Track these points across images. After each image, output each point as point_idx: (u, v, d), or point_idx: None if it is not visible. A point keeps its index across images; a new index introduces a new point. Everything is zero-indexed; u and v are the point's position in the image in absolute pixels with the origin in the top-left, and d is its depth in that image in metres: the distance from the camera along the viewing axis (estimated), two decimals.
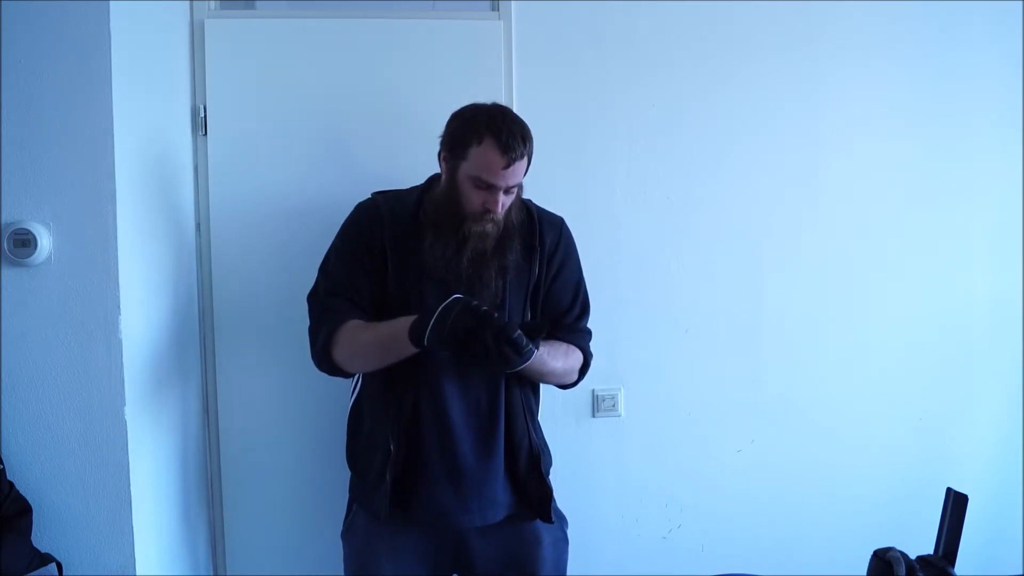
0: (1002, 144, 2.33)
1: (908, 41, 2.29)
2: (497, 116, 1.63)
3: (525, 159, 1.63)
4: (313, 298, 1.74)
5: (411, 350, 1.58)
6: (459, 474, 1.70)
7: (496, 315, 1.49)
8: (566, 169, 2.17)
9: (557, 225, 1.81)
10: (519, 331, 1.49)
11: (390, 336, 1.61)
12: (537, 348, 1.58)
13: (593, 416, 2.24)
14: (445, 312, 1.49)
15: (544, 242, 1.75)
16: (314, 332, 1.71)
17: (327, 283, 1.73)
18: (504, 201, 1.65)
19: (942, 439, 2.36)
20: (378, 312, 1.70)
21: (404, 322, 1.57)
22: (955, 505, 1.24)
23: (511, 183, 1.63)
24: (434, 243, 1.66)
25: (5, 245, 1.54)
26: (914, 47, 2.29)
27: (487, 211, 1.64)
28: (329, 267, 1.75)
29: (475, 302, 1.50)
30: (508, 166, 1.60)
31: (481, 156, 1.60)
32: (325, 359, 1.69)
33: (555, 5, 2.16)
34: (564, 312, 1.80)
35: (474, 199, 1.63)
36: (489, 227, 1.65)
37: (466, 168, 1.62)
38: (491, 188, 1.62)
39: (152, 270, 1.80)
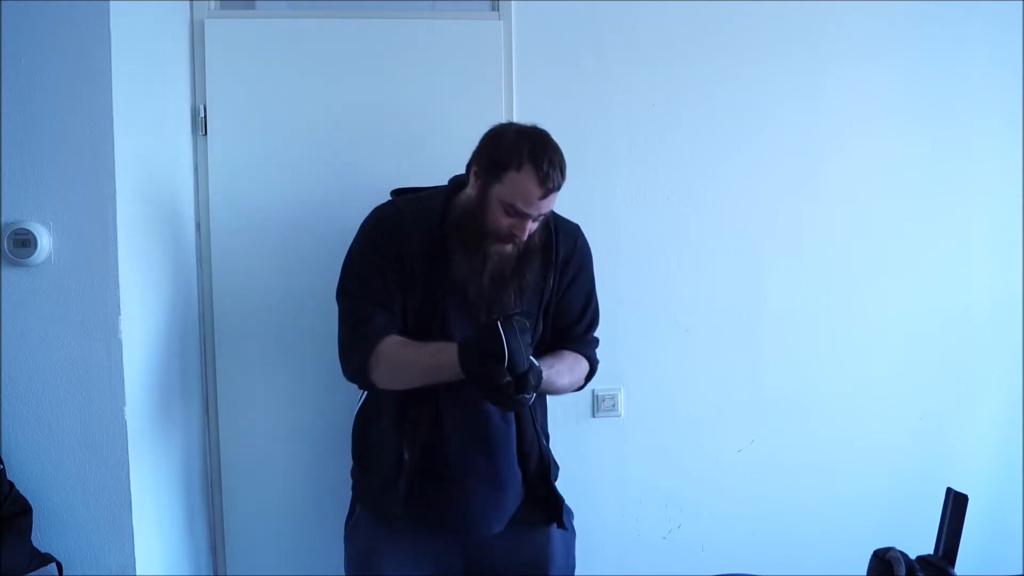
0: (1002, 144, 2.33)
1: (908, 41, 2.29)
2: (539, 143, 1.58)
3: (560, 189, 1.60)
4: (344, 298, 1.69)
5: (457, 376, 1.53)
6: (471, 489, 1.70)
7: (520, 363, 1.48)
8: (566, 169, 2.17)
9: (572, 235, 1.78)
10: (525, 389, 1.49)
11: (436, 366, 1.56)
12: (535, 391, 1.55)
13: (593, 416, 2.24)
14: (494, 342, 1.45)
15: (559, 253, 1.73)
16: (349, 343, 1.66)
17: (356, 285, 1.67)
18: (532, 227, 1.62)
19: (942, 439, 2.36)
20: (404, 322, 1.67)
21: (451, 351, 1.53)
22: (955, 505, 1.24)
23: (544, 212, 1.61)
24: (461, 261, 1.62)
25: (5, 245, 1.54)
26: (914, 47, 2.29)
27: (513, 236, 1.61)
28: (357, 269, 1.69)
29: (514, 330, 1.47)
30: (544, 197, 1.57)
31: (518, 183, 1.56)
32: (361, 377, 1.65)
33: (555, 5, 2.16)
34: (574, 323, 1.79)
35: (502, 223, 1.59)
36: (510, 248, 1.63)
37: (499, 191, 1.58)
38: (522, 216, 1.59)
39: (152, 270, 1.80)
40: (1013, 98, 2.32)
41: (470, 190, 1.64)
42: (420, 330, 1.66)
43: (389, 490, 1.69)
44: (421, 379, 1.62)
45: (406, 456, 1.67)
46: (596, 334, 1.85)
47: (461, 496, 1.69)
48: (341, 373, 1.70)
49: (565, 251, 1.74)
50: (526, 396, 1.52)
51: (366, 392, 1.78)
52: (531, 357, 1.53)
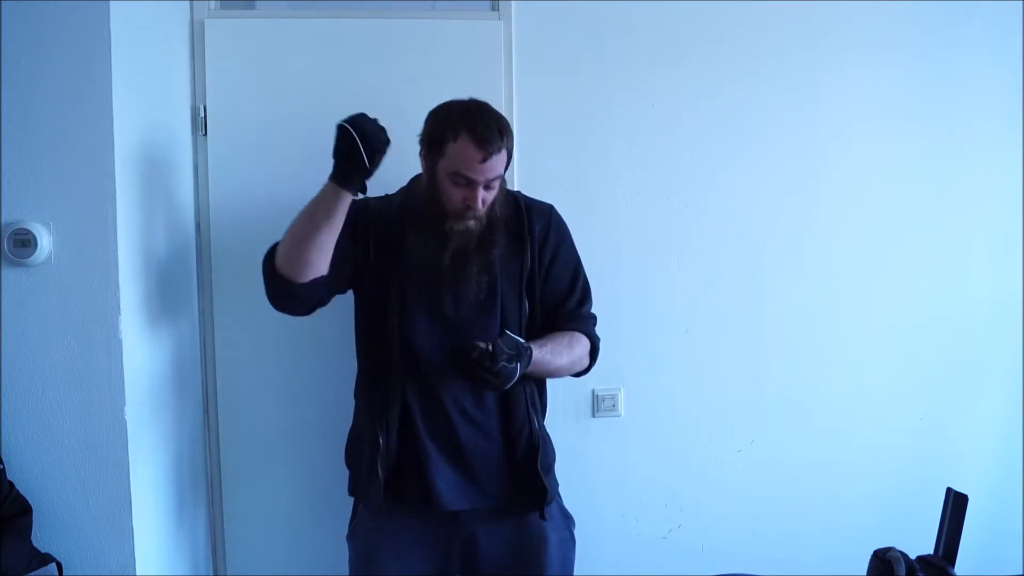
0: (1002, 144, 2.33)
1: (908, 41, 2.29)
2: (473, 110, 1.63)
3: (503, 152, 1.62)
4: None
5: (338, 199, 1.55)
6: (454, 459, 1.71)
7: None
8: (566, 169, 2.17)
9: (546, 212, 1.80)
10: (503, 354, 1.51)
11: (313, 206, 1.58)
12: (522, 366, 1.56)
13: (593, 416, 2.24)
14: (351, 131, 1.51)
15: (533, 231, 1.74)
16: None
17: None
18: (485, 197, 1.64)
19: (942, 439, 2.36)
20: (353, 290, 1.73)
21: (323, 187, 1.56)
22: (955, 505, 1.24)
23: (490, 177, 1.62)
24: (416, 241, 1.67)
25: (5, 245, 1.54)
26: (914, 47, 2.29)
27: (468, 208, 1.63)
28: None
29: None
30: (485, 160, 1.59)
31: (458, 152, 1.60)
32: (270, 281, 1.64)
33: (555, 5, 2.16)
34: (564, 299, 1.78)
35: (454, 196, 1.63)
36: (472, 224, 1.65)
37: (444, 165, 1.62)
38: (470, 183, 1.61)
39: (152, 270, 1.80)
40: (1013, 98, 2.32)
41: (423, 174, 1.70)
42: (377, 309, 1.70)
43: (372, 482, 1.70)
44: (307, 228, 1.59)
45: (381, 441, 1.68)
46: (593, 312, 1.84)
47: (429, 471, 1.69)
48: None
49: (540, 228, 1.76)
50: (506, 367, 1.52)
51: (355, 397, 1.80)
52: (509, 331, 1.56)
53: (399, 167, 2.01)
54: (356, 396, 1.81)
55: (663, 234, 2.23)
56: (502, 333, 1.60)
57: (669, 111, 2.21)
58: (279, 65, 2.08)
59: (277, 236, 2.07)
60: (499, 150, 1.61)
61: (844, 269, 2.30)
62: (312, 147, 2.08)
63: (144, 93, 1.75)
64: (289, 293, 1.63)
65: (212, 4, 2.09)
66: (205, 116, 2.07)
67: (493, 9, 2.16)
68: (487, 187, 1.63)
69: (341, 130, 1.52)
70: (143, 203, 1.75)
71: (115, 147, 1.57)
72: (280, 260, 1.62)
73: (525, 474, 1.74)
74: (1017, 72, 2.31)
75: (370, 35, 2.11)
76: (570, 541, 1.84)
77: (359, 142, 1.50)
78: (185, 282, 2.03)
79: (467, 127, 1.59)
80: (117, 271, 1.58)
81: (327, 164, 2.07)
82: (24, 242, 1.54)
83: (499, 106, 2.09)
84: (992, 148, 2.33)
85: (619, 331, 2.18)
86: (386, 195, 1.81)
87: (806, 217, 2.28)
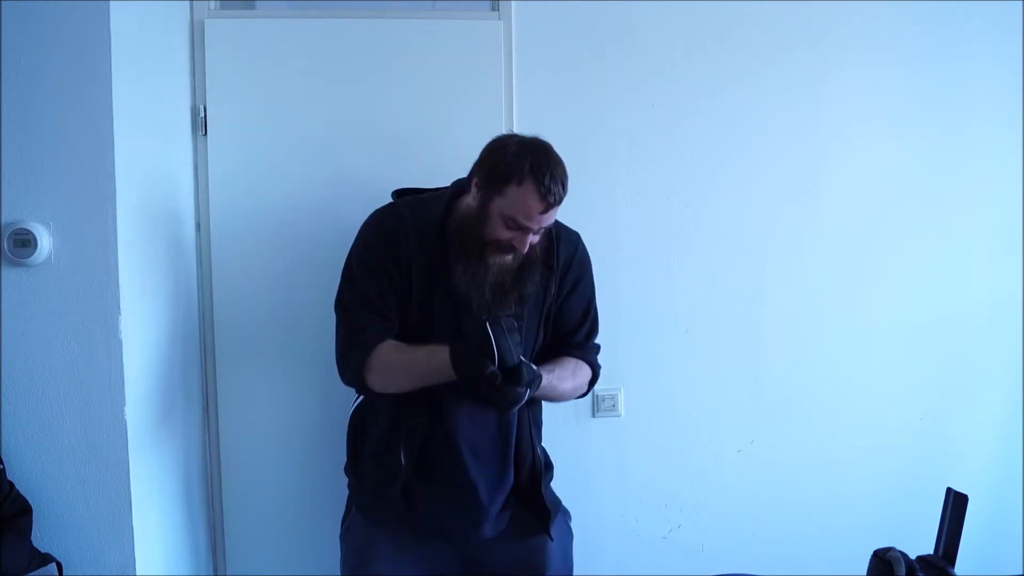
0: (1002, 144, 2.33)
1: (908, 41, 2.29)
2: (541, 157, 1.57)
3: (560, 204, 1.59)
4: (341, 309, 1.70)
5: (451, 377, 1.55)
6: (468, 493, 1.70)
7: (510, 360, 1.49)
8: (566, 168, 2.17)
9: (573, 243, 1.78)
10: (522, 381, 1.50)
11: (429, 369, 1.59)
12: (529, 388, 1.55)
13: (593, 416, 2.24)
14: (482, 341, 1.48)
15: (559, 260, 1.73)
16: (345, 351, 1.68)
17: (354, 294, 1.67)
18: (532, 240, 1.61)
19: (942, 439, 2.36)
20: (402, 326, 1.68)
21: (443, 353, 1.55)
22: (955, 505, 1.24)
23: (545, 226, 1.61)
24: (464, 271, 1.62)
25: (5, 245, 1.54)
26: (914, 47, 2.29)
27: (512, 247, 1.60)
28: (354, 275, 1.69)
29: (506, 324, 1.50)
30: (545, 212, 1.57)
31: (519, 197, 1.55)
32: (357, 382, 1.67)
33: (555, 5, 2.16)
34: (574, 329, 1.79)
35: (502, 235, 1.59)
36: (510, 259, 1.63)
37: (500, 204, 1.57)
38: (522, 230, 1.58)
39: (152, 270, 1.80)
40: (1013, 98, 2.32)
41: (471, 200, 1.63)
42: (419, 334, 1.66)
43: (385, 494, 1.69)
44: (415, 382, 1.63)
45: (403, 461, 1.67)
46: (597, 340, 1.85)
47: (457, 501, 1.69)
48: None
49: (565, 258, 1.74)
50: (519, 390, 1.51)
51: (360, 399, 1.79)
52: (523, 357, 1.54)
53: (401, 167, 2.02)
54: (367, 407, 1.77)
55: (663, 234, 2.23)
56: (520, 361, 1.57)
57: (669, 111, 2.21)
58: (279, 65, 2.08)
59: (277, 236, 2.09)
60: (559, 202, 1.58)
61: (844, 269, 2.30)
62: (312, 147, 2.10)
63: (144, 93, 1.75)
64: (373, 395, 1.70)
65: (212, 4, 2.09)
66: (205, 116, 2.07)
67: (493, 9, 2.16)
68: (536, 232, 1.61)
69: (482, 327, 1.49)
70: (143, 203, 1.75)
71: (115, 147, 1.57)
72: (377, 383, 1.65)
73: (528, 498, 1.75)
74: (1017, 72, 2.31)
75: (370, 35, 2.10)
76: (568, 536, 1.84)
77: (496, 357, 1.48)
78: (185, 282, 2.03)
79: (534, 175, 1.54)
80: (117, 271, 1.58)
81: (326, 162, 2.09)
82: (24, 242, 1.54)
83: (499, 106, 2.11)
84: (992, 148, 2.33)
85: (619, 331, 2.18)
86: (418, 199, 1.75)
87: (806, 217, 2.28)
